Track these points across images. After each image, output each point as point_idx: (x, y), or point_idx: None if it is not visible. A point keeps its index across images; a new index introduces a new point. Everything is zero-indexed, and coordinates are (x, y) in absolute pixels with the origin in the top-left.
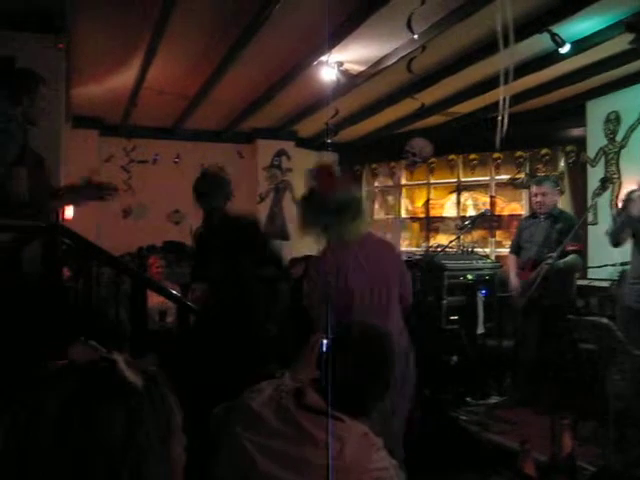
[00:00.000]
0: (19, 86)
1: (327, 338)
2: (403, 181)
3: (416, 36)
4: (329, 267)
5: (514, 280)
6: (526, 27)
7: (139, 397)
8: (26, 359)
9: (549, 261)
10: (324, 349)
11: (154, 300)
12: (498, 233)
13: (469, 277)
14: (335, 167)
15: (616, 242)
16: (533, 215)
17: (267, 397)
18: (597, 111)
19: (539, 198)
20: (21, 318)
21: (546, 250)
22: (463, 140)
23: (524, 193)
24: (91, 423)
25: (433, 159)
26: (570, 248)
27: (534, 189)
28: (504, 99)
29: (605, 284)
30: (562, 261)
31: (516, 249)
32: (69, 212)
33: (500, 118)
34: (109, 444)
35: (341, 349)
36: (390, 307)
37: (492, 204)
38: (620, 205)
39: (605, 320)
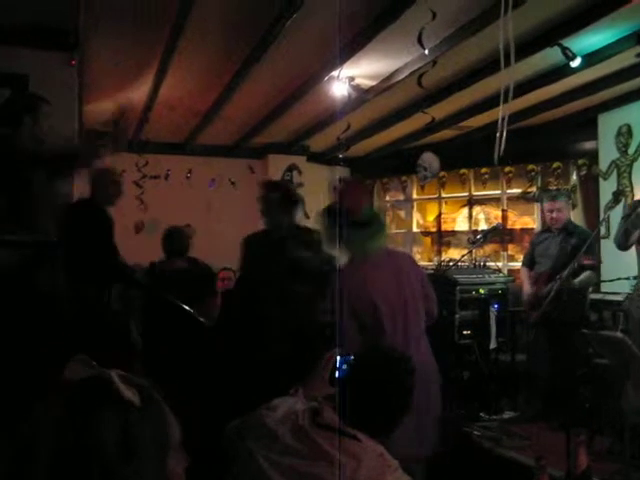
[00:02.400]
0: (19, 109)
1: (342, 355)
2: (414, 195)
3: (427, 51)
4: (352, 282)
5: (527, 292)
6: (537, 41)
7: (136, 414)
8: (36, 374)
9: (560, 277)
10: (338, 366)
11: None
12: (510, 247)
13: (481, 291)
14: (363, 182)
15: (625, 245)
16: (547, 229)
17: (282, 415)
18: (609, 124)
19: (554, 214)
20: (32, 333)
21: (560, 265)
22: (474, 154)
23: (536, 207)
24: (86, 438)
25: (444, 173)
26: (586, 262)
27: (548, 205)
28: (503, 118)
29: (619, 297)
30: (577, 280)
31: (529, 263)
32: None
33: (498, 135)
34: (104, 459)
35: (362, 370)
36: (414, 321)
37: (504, 218)
38: (627, 211)
39: (619, 334)
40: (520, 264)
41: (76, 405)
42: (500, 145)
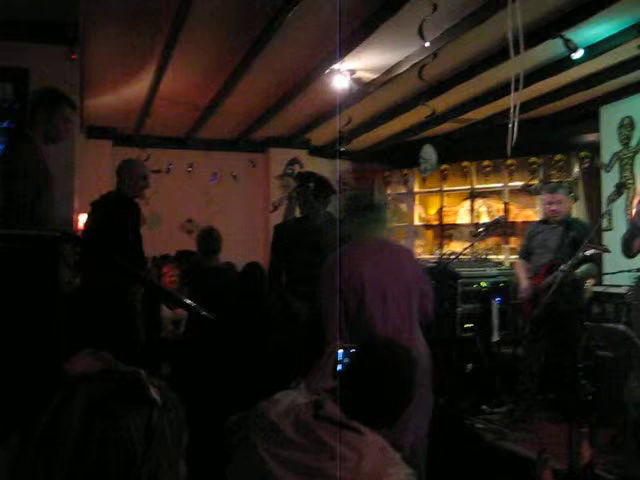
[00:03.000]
0: (35, 103)
1: (344, 348)
2: (416, 188)
3: (427, 43)
4: (346, 264)
5: (525, 285)
6: (539, 33)
7: (160, 412)
8: (39, 369)
9: (563, 268)
10: (340, 359)
11: (168, 309)
12: (512, 240)
13: (483, 284)
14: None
15: (628, 253)
16: (544, 221)
17: (284, 408)
18: (611, 116)
19: (554, 207)
20: (36, 327)
21: (560, 257)
22: (476, 147)
23: (538, 199)
24: (113, 433)
25: (446, 166)
26: (594, 251)
27: (547, 197)
28: (514, 106)
29: (621, 290)
30: (579, 271)
31: (525, 254)
32: (82, 222)
33: (510, 125)
34: (129, 455)
35: (362, 362)
36: (407, 314)
37: (506, 211)
38: (633, 214)
39: (622, 327)
40: None
41: (105, 400)
42: (512, 135)
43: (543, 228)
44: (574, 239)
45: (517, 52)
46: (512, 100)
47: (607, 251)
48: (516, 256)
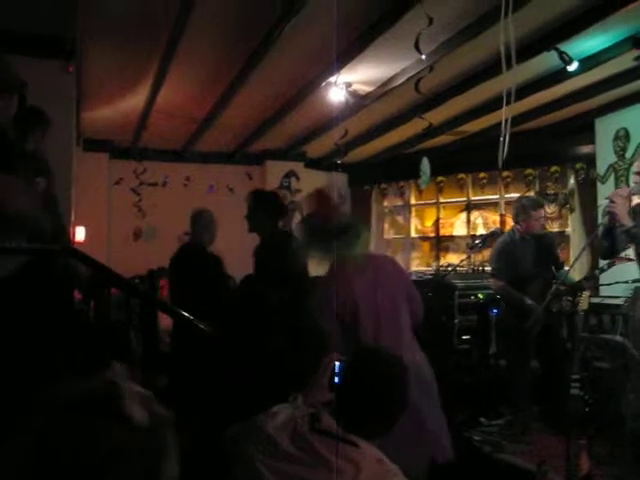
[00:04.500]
0: (27, 125)
1: (340, 361)
2: (412, 201)
3: (424, 56)
4: (335, 288)
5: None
6: (534, 45)
7: (169, 430)
8: (35, 382)
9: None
10: (337, 372)
11: (165, 322)
12: None
13: (480, 296)
14: (332, 190)
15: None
16: (521, 236)
17: (282, 421)
18: (606, 128)
19: (542, 220)
20: (32, 341)
21: (542, 270)
22: (472, 159)
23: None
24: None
25: (442, 178)
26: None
27: (539, 212)
28: (506, 120)
29: (618, 301)
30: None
31: (499, 273)
32: (80, 235)
33: (502, 139)
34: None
35: (354, 373)
36: (401, 324)
37: (502, 223)
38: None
39: (619, 338)
40: None
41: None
42: (504, 148)
43: (518, 242)
44: (550, 249)
45: (509, 66)
46: (503, 114)
47: (631, 260)
48: None
